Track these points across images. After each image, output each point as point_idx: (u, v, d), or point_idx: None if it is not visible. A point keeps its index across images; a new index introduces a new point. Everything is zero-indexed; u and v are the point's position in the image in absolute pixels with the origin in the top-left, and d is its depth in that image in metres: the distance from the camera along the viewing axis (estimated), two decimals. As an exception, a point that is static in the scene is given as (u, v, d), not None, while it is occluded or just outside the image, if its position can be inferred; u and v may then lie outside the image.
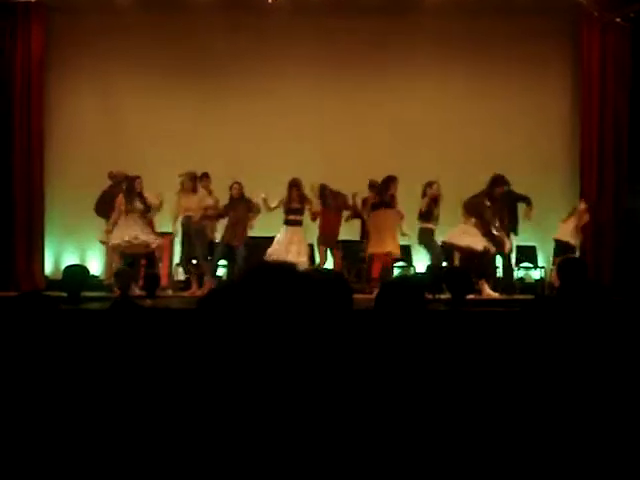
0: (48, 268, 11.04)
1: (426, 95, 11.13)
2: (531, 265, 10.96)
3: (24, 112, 10.77)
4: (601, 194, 10.65)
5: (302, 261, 9.38)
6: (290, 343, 1.53)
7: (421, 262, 10.55)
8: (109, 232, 9.57)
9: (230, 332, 1.54)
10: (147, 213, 9.57)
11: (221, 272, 10.25)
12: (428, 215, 9.50)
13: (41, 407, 2.15)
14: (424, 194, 9.51)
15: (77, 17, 11.02)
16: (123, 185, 9.62)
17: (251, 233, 9.94)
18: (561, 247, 9.78)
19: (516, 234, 9.94)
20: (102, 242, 9.96)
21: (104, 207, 9.84)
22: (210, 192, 9.91)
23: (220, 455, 1.48)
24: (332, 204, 9.81)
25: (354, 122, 11.07)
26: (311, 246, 10.05)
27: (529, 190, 9.75)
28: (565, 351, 2.51)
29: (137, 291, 8.94)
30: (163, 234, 10.01)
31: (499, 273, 10.07)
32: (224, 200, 9.87)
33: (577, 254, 9.84)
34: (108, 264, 9.99)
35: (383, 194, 9.57)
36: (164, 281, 10.02)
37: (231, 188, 9.76)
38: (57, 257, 11.19)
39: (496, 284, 9.69)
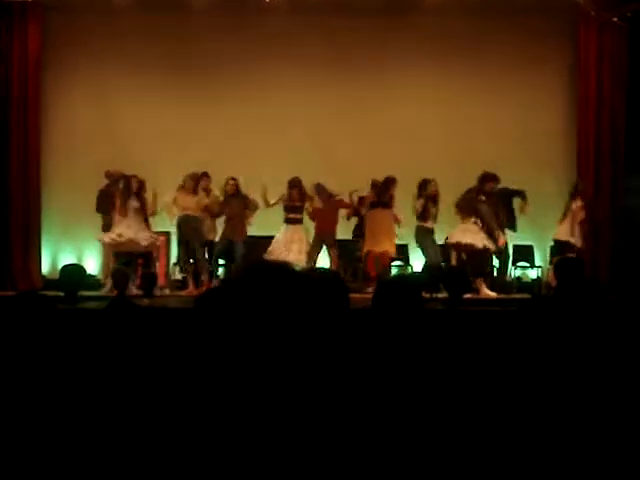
0: (45, 267, 11.03)
1: (425, 94, 11.13)
2: (528, 264, 10.97)
3: (21, 111, 10.76)
4: (598, 192, 10.67)
5: (303, 259, 9.39)
6: (287, 342, 1.53)
7: (419, 261, 10.56)
8: (106, 230, 9.62)
9: (227, 331, 1.54)
10: (144, 212, 9.57)
11: (220, 271, 10.26)
12: (425, 214, 9.53)
13: (39, 407, 2.14)
14: (419, 194, 9.54)
15: (74, 17, 11.01)
16: (120, 184, 9.62)
17: (250, 232, 9.94)
18: (560, 246, 9.77)
19: (515, 230, 9.93)
20: (100, 241, 9.98)
21: (104, 205, 9.86)
22: (209, 192, 9.91)
23: (218, 454, 1.48)
24: (328, 200, 9.86)
25: (353, 121, 11.07)
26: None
27: (526, 188, 9.74)
28: (562, 350, 2.51)
29: (134, 290, 8.94)
30: (160, 233, 10.00)
31: (496, 272, 10.07)
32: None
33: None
34: (105, 263, 10.01)
35: (382, 194, 9.63)
36: (161, 280, 10.01)
37: (226, 184, 9.77)
38: (54, 256, 11.18)
39: (493, 283, 9.70)
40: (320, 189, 9.85)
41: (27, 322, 2.70)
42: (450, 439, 1.97)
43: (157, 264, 10.07)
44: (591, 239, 10.29)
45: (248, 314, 1.53)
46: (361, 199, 9.91)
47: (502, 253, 9.85)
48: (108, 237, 9.52)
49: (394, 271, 10.36)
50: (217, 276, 9.96)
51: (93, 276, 10.15)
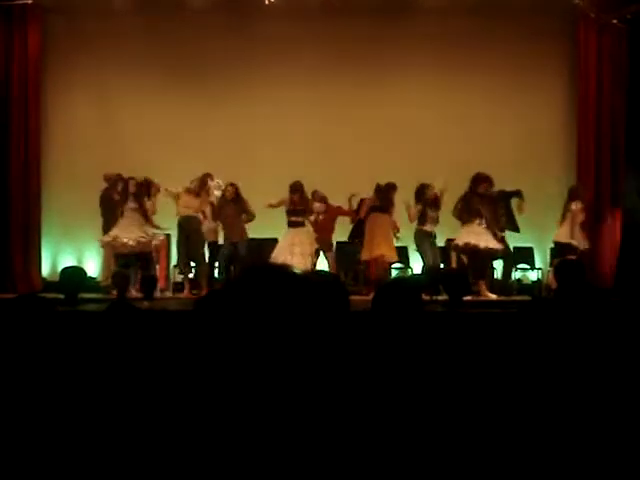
0: (45, 270, 11.02)
1: (424, 94, 11.14)
2: (528, 266, 10.95)
3: (21, 113, 10.77)
4: (598, 194, 10.66)
5: (306, 262, 9.38)
6: (287, 345, 1.53)
7: (418, 264, 10.55)
8: (106, 231, 9.64)
9: (227, 334, 1.53)
10: (143, 213, 9.57)
11: (217, 274, 10.23)
12: (423, 217, 9.54)
13: (39, 409, 2.14)
14: (418, 199, 9.53)
15: (74, 19, 11.03)
16: (118, 186, 9.62)
17: (253, 234, 9.94)
18: (561, 248, 9.74)
19: (518, 231, 9.88)
20: (100, 242, 9.97)
21: (107, 209, 9.87)
22: (211, 194, 9.90)
23: (218, 456, 1.48)
24: (327, 207, 9.88)
25: (353, 122, 11.07)
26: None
27: (526, 190, 9.71)
28: (562, 353, 2.51)
29: (134, 293, 8.94)
30: (159, 235, 9.99)
31: (497, 274, 10.06)
32: None
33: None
34: (105, 266, 10.00)
35: (382, 199, 9.65)
36: (161, 283, 10.00)
37: (225, 190, 9.75)
38: (54, 258, 11.17)
39: (493, 285, 9.69)
40: (318, 196, 9.90)
41: (27, 325, 2.70)
42: (451, 441, 1.97)
43: (157, 266, 10.07)
44: (592, 241, 10.27)
45: (248, 317, 1.52)
46: (361, 201, 9.91)
47: (507, 255, 9.83)
48: (107, 238, 9.53)
49: (394, 274, 10.36)
50: (216, 279, 9.93)
51: (93, 278, 10.15)
